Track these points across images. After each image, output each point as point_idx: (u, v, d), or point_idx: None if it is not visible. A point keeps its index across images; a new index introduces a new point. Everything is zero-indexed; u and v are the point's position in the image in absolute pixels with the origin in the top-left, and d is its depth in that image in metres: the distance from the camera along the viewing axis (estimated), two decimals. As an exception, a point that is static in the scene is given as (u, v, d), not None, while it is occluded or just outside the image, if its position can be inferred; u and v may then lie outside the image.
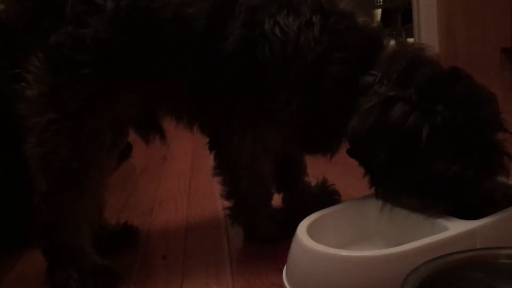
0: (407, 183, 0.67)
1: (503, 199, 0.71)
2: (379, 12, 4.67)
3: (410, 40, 2.76)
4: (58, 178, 0.77)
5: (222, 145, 0.83)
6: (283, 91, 0.75)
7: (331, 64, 0.73)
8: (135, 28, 0.76)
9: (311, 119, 0.77)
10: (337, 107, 0.74)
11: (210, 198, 1.17)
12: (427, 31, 3.00)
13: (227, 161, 0.84)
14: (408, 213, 0.68)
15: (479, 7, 2.61)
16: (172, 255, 0.87)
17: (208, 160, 1.51)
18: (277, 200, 0.96)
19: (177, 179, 1.38)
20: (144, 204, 1.20)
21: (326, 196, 0.99)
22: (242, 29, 0.74)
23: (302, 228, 0.66)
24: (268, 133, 0.79)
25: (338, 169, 1.12)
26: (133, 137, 0.96)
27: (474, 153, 0.64)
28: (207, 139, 0.88)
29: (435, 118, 0.63)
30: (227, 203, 1.08)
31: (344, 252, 0.59)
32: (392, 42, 0.76)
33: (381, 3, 4.85)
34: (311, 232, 0.66)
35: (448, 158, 0.64)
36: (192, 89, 0.80)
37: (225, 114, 0.79)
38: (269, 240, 0.85)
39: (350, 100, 0.71)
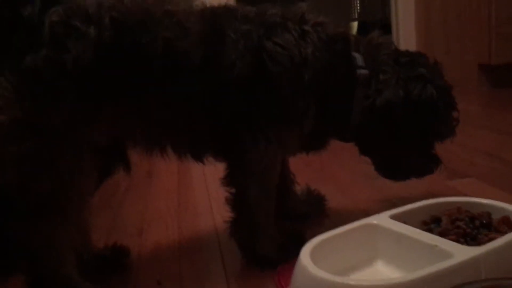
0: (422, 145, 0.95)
1: (501, 223, 0.72)
2: (355, 25, 4.76)
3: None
4: (39, 207, 0.73)
5: (239, 154, 0.83)
6: (300, 99, 0.82)
7: (336, 65, 0.85)
8: (121, 59, 0.74)
9: (322, 119, 0.86)
10: (344, 101, 0.88)
11: (200, 218, 1.16)
12: (405, 46, 3.05)
13: (239, 171, 0.84)
14: (411, 238, 0.69)
15: (458, 23, 2.68)
16: (167, 280, 0.85)
17: (195, 177, 1.52)
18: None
19: (165, 198, 1.36)
20: (132, 225, 1.17)
21: (315, 202, 1.09)
22: (248, 54, 0.78)
23: (305, 254, 0.66)
24: (290, 139, 0.86)
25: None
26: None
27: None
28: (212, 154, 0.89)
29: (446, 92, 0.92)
30: (219, 223, 1.09)
31: (352, 281, 0.58)
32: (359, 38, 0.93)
33: (357, 16, 4.94)
34: (314, 256, 0.66)
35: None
36: (197, 116, 0.81)
37: (245, 128, 0.82)
38: (267, 262, 0.84)
39: (349, 92, 0.87)
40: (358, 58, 0.89)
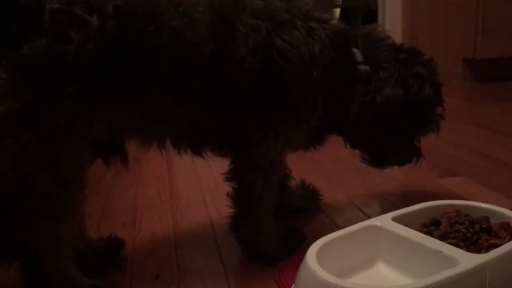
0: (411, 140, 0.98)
1: (500, 228, 0.74)
2: (337, 11, 4.74)
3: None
4: (38, 203, 0.71)
5: (246, 149, 0.83)
6: (309, 95, 0.83)
7: (340, 62, 0.86)
8: (125, 50, 0.72)
9: (326, 115, 0.87)
10: (345, 97, 0.89)
11: (194, 208, 1.15)
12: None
13: (244, 165, 0.84)
14: (414, 242, 0.70)
15: (444, 16, 2.70)
16: (166, 274, 0.85)
17: (185, 165, 1.50)
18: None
19: (156, 186, 1.35)
20: (124, 213, 1.16)
21: (310, 197, 1.11)
22: (259, 50, 0.77)
23: (312, 256, 0.66)
24: (298, 135, 0.87)
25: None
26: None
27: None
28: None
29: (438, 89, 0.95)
30: (213, 214, 1.09)
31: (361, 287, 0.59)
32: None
33: (340, 3, 4.93)
34: (319, 258, 0.66)
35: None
36: (203, 110, 0.80)
37: (253, 123, 0.82)
38: (269, 258, 0.84)
39: (351, 88, 0.89)
40: (357, 54, 0.89)
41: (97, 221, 1.12)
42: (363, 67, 0.89)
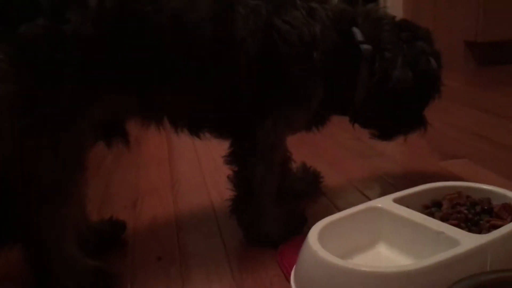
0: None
1: (502, 210, 0.74)
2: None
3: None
4: (41, 188, 0.70)
5: (247, 131, 0.83)
6: (309, 78, 0.82)
7: (341, 43, 0.85)
8: (123, 30, 0.71)
9: (328, 97, 0.86)
10: (348, 78, 0.88)
11: (195, 191, 1.15)
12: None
13: (245, 148, 0.83)
14: (416, 223, 0.70)
15: (446, 0, 2.67)
16: (168, 256, 0.85)
17: (186, 148, 1.50)
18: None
19: (157, 169, 1.35)
20: (125, 196, 1.16)
21: (311, 180, 1.10)
22: (259, 32, 0.76)
23: (313, 237, 0.66)
24: (298, 117, 0.86)
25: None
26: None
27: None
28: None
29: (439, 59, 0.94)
30: (215, 198, 1.09)
31: (363, 268, 0.59)
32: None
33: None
34: (320, 239, 0.66)
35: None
36: (203, 92, 0.79)
37: (254, 106, 0.81)
38: (270, 241, 0.84)
39: (354, 69, 0.87)
40: (358, 33, 0.88)
41: (98, 204, 1.13)
42: (365, 46, 0.87)
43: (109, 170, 1.38)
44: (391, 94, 0.88)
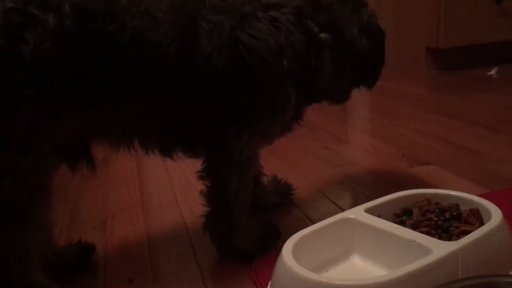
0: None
1: (470, 215, 0.75)
2: None
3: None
4: (3, 211, 0.69)
5: (221, 146, 0.82)
6: (281, 87, 0.81)
7: (305, 42, 0.84)
8: (85, 50, 0.70)
9: (299, 97, 0.86)
10: (315, 71, 0.87)
11: (166, 209, 1.13)
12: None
13: (220, 162, 0.82)
14: (388, 233, 0.70)
15: (407, 7, 2.74)
16: (140, 279, 0.83)
17: (155, 165, 1.48)
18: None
19: (126, 187, 1.32)
20: (94, 217, 1.14)
21: (283, 192, 1.10)
22: (224, 47, 0.75)
23: (288, 252, 0.66)
24: (274, 128, 0.86)
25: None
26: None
27: None
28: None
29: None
30: (187, 214, 1.08)
31: (339, 281, 0.59)
32: None
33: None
34: (294, 253, 0.66)
35: None
36: (172, 111, 0.78)
37: (227, 120, 0.80)
38: (246, 255, 0.83)
39: (319, 60, 0.87)
40: (313, 26, 0.87)
41: (67, 226, 1.10)
42: (323, 35, 0.87)
43: (77, 191, 1.35)
44: (355, 64, 0.91)
